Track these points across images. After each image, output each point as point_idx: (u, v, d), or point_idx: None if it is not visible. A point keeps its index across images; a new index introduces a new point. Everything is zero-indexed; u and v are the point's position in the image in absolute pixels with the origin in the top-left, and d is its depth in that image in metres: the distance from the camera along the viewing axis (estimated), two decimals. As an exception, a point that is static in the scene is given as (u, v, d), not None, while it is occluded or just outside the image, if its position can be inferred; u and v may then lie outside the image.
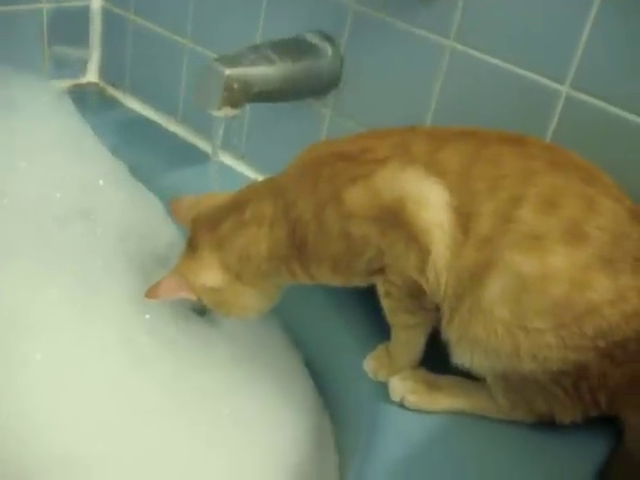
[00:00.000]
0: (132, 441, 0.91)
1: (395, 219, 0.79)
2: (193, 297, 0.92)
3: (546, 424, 0.81)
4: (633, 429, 0.79)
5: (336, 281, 0.89)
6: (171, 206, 1.01)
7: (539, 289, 0.74)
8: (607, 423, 0.81)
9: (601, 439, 0.81)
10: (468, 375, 0.83)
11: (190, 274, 0.91)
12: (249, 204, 0.90)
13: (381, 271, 0.83)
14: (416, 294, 0.81)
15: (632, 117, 0.84)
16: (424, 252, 0.78)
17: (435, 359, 0.86)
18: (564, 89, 0.89)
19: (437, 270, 0.78)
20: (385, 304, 0.86)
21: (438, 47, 0.98)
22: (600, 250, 0.74)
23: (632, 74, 0.83)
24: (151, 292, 0.92)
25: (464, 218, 0.77)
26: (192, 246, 0.93)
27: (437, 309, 0.82)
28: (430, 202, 0.78)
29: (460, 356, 0.81)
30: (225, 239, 0.90)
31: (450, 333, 0.81)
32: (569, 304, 0.74)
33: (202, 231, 0.92)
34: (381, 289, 0.85)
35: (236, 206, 0.91)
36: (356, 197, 0.81)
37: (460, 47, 0.96)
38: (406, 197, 0.78)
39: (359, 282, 0.88)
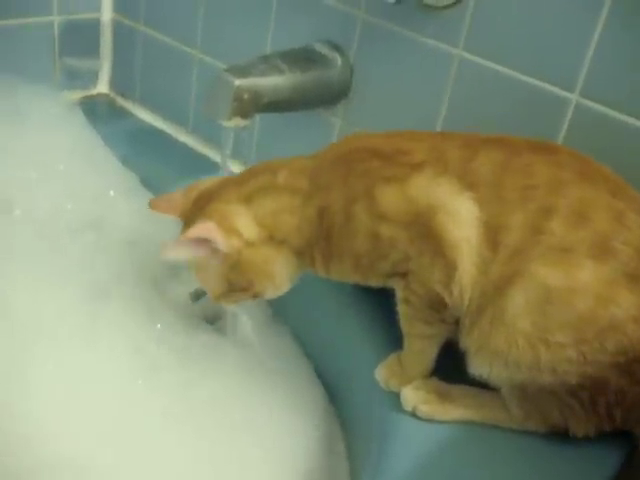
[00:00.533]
0: (141, 448, 0.91)
1: (425, 230, 0.78)
2: (221, 245, 0.84)
3: (558, 436, 0.81)
4: (647, 445, 0.79)
5: (353, 279, 0.88)
6: (150, 206, 0.96)
7: (564, 302, 0.74)
8: (620, 436, 0.80)
9: (613, 452, 0.80)
10: (480, 384, 0.83)
11: (225, 220, 0.85)
12: (281, 171, 0.87)
13: (403, 275, 0.83)
14: (437, 307, 0.81)
15: (643, 125, 0.84)
16: (450, 268, 0.78)
17: (447, 368, 0.86)
18: (574, 97, 0.89)
19: (462, 286, 0.78)
20: (402, 310, 0.86)
21: (447, 56, 0.98)
22: (626, 265, 0.73)
23: (642, 82, 0.83)
24: (181, 237, 0.85)
25: (493, 232, 0.76)
26: (219, 200, 0.87)
27: (456, 322, 0.82)
28: (461, 218, 0.77)
29: (478, 367, 0.81)
30: (256, 195, 0.86)
31: (469, 343, 0.81)
32: (593, 319, 0.73)
33: (226, 190, 0.88)
34: (400, 294, 0.85)
35: (265, 170, 0.88)
36: (390, 199, 0.80)
37: (469, 56, 0.96)
38: (438, 209, 0.78)
39: (376, 283, 0.88)
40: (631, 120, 0.85)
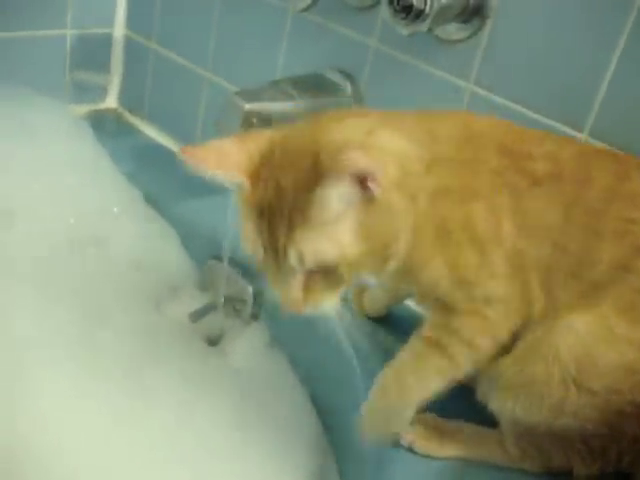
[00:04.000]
0: (135, 472, 0.90)
1: None
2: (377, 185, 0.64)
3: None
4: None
5: (435, 290, 0.75)
6: (182, 155, 0.70)
7: (618, 351, 0.71)
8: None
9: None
10: (476, 419, 0.82)
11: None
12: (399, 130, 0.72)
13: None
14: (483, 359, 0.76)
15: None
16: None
17: (443, 403, 0.85)
18: (583, 137, 0.89)
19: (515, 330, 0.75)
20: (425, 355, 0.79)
21: (458, 89, 0.98)
22: None
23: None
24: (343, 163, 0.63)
25: (574, 266, 0.72)
26: None
27: None
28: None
29: (499, 399, 0.77)
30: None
31: (495, 372, 0.77)
32: (636, 371, 0.71)
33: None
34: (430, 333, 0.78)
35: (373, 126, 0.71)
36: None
37: (480, 91, 0.97)
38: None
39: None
40: None
